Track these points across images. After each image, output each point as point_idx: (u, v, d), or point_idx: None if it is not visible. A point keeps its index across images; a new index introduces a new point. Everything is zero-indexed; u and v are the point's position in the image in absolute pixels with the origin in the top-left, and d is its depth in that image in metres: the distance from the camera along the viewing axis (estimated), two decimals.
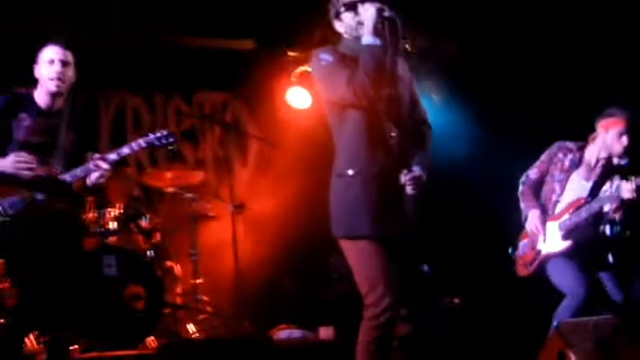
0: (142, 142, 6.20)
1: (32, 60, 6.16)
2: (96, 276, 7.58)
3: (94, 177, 6.00)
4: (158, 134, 6.24)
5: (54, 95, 6.06)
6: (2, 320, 6.41)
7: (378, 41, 4.96)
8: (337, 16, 5.24)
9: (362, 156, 5.00)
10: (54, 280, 5.89)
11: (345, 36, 5.25)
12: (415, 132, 5.21)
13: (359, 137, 5.04)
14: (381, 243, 4.91)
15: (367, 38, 4.98)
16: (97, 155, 6.07)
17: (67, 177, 5.93)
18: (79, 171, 5.98)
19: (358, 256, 4.99)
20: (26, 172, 5.77)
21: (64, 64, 6.04)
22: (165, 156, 8.68)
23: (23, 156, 5.81)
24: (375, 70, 4.92)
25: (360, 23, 5.09)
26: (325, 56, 5.11)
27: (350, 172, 4.99)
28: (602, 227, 6.82)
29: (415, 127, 5.22)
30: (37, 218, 5.85)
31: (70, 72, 6.10)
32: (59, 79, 6.00)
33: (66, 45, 6.13)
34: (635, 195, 6.42)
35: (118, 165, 8.72)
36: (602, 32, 9.00)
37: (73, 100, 6.32)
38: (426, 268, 5.16)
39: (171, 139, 6.28)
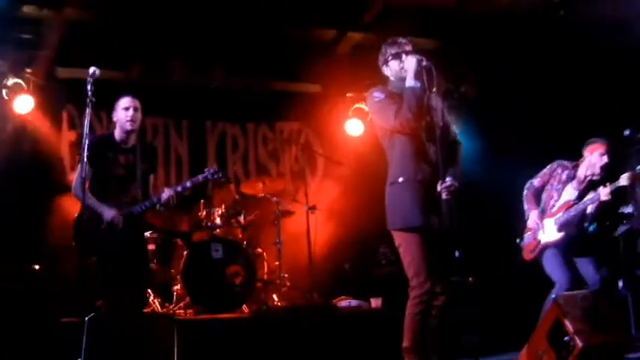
0: (200, 177, 6.49)
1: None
2: (206, 258, 7.69)
3: (165, 203, 6.29)
4: (212, 170, 6.56)
5: (129, 133, 6.29)
6: None
7: (418, 84, 5.02)
8: (386, 63, 5.33)
9: (408, 168, 5.07)
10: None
11: (392, 78, 5.33)
12: (449, 148, 5.23)
13: (405, 154, 5.10)
14: (426, 236, 4.95)
15: (409, 82, 5.05)
16: (167, 189, 6.38)
17: (147, 204, 6.26)
18: (155, 199, 6.27)
19: (408, 247, 5.03)
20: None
21: (135, 109, 6.30)
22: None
23: (118, 219, 6.07)
24: (416, 106, 4.99)
25: (404, 69, 5.18)
26: (378, 94, 5.22)
27: (400, 179, 5.07)
28: (585, 225, 6.83)
29: (449, 145, 5.25)
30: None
31: (139, 115, 6.35)
32: (132, 120, 6.27)
33: (134, 95, 6.41)
34: (610, 197, 6.53)
35: (221, 182, 8.88)
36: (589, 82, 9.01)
37: (143, 137, 6.50)
38: (457, 253, 5.14)
39: (220, 174, 6.60)
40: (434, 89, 5.15)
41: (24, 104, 8.28)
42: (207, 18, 8.58)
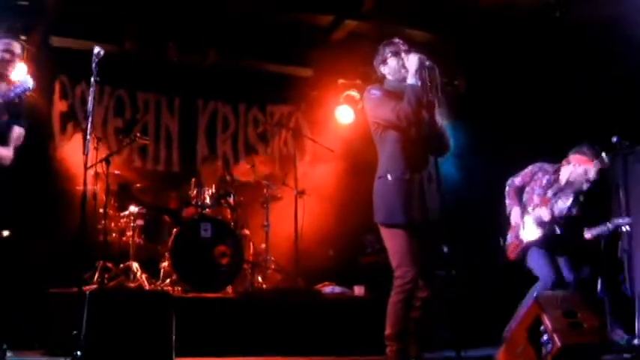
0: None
1: None
2: (195, 237, 7.79)
3: None
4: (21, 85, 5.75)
5: None
6: None
7: (419, 82, 5.19)
8: (384, 61, 5.49)
9: (397, 165, 5.24)
10: None
11: (389, 77, 5.48)
12: (438, 146, 5.40)
13: (396, 151, 5.27)
14: (410, 229, 5.13)
15: (411, 79, 5.21)
16: None
17: None
18: None
19: (392, 239, 5.22)
20: None
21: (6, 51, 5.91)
22: None
23: None
24: (415, 102, 5.14)
25: (403, 67, 5.35)
26: (375, 91, 5.38)
27: (389, 176, 5.23)
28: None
29: (437, 142, 5.39)
30: None
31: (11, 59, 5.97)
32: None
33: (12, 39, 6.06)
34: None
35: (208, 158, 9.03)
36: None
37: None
38: (445, 248, 5.38)
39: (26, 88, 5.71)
40: (435, 88, 5.29)
41: (18, 71, 8.31)
42: None
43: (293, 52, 9.96)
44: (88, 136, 5.74)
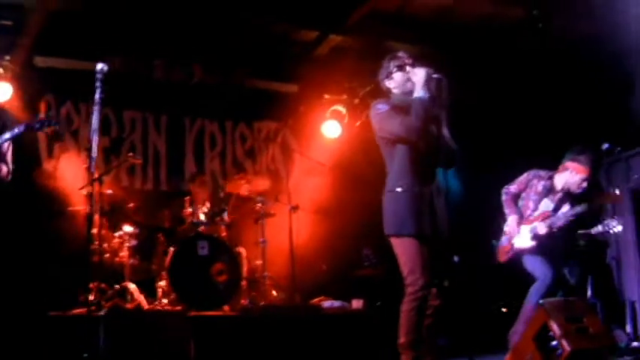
0: (22, 127, 5.96)
1: None
2: (193, 255, 7.84)
3: None
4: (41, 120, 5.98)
5: None
6: None
7: (427, 95, 5.24)
8: (389, 76, 5.52)
9: (406, 179, 5.28)
10: None
11: (395, 91, 5.51)
12: (444, 157, 5.44)
13: (405, 164, 5.31)
14: (420, 240, 5.20)
15: (418, 92, 5.24)
16: None
17: None
18: None
19: (403, 248, 5.26)
20: None
21: None
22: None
23: None
24: (423, 116, 5.20)
25: (409, 80, 5.38)
26: (381, 106, 5.41)
27: (399, 189, 5.28)
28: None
29: (444, 154, 5.43)
30: None
31: None
32: None
33: None
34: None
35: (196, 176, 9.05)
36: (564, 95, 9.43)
37: None
38: (455, 258, 5.45)
39: (51, 124, 6.03)
40: (444, 101, 5.35)
41: (2, 92, 8.31)
42: (189, 13, 8.71)
43: (278, 68, 10.06)
44: (93, 154, 5.75)
